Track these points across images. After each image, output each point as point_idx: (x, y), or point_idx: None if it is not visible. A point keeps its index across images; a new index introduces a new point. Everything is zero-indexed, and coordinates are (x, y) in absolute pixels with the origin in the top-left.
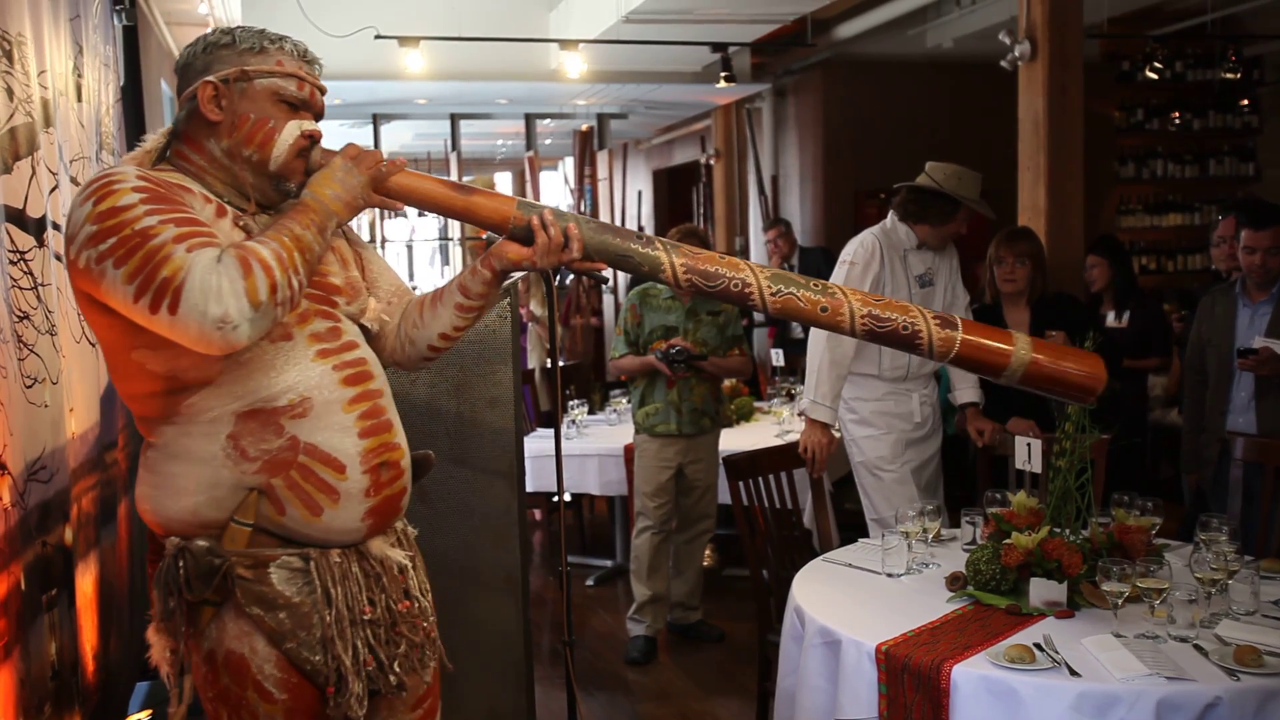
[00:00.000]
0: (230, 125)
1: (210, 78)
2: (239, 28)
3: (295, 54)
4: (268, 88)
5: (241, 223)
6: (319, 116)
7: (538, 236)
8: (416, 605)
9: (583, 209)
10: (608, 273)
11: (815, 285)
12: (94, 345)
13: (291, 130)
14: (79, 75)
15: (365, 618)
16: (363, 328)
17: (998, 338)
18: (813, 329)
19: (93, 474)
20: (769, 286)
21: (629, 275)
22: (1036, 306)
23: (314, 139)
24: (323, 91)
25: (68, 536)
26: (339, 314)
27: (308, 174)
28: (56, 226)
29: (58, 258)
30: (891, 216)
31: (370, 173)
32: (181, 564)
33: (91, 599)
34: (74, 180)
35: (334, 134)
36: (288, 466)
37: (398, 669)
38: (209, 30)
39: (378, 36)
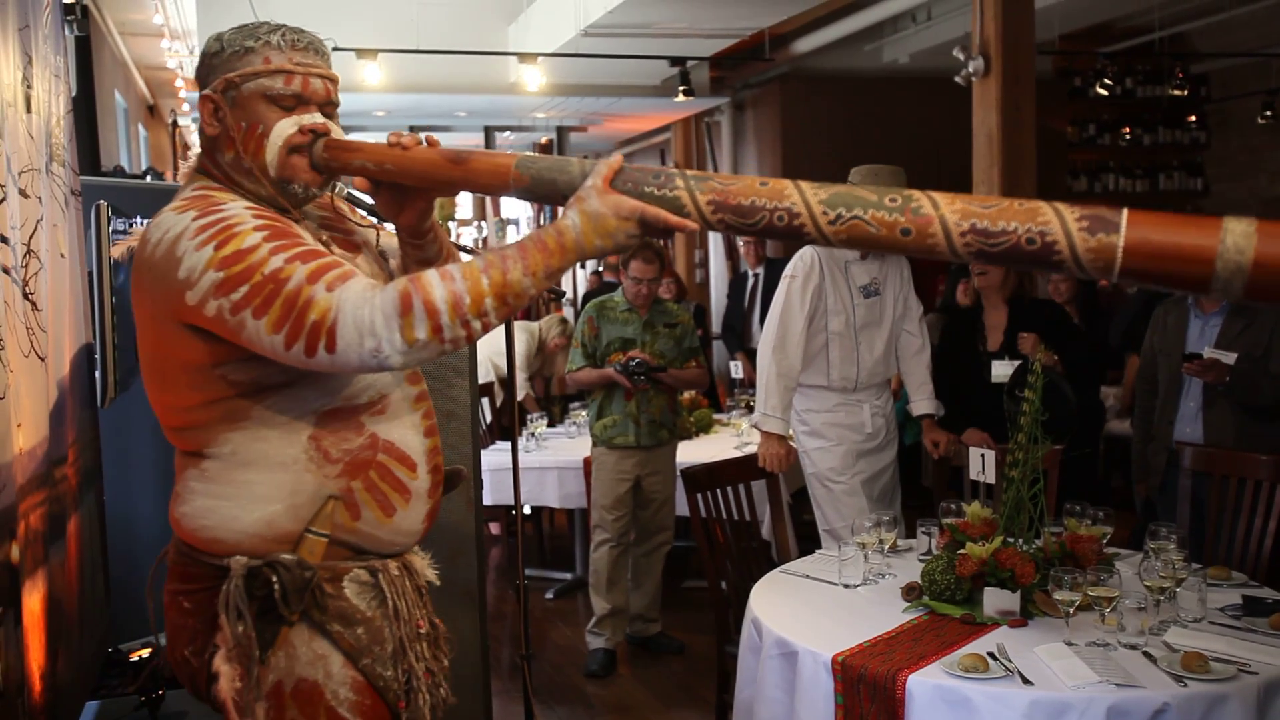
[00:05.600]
0: (229, 137)
1: (207, 91)
2: (230, 31)
3: (284, 45)
4: (256, 90)
5: (324, 238)
6: (327, 106)
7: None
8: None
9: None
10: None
11: (892, 200)
12: (42, 360)
13: (281, 130)
14: (28, 86)
15: (420, 631)
16: None
17: (1190, 230)
18: (761, 339)
19: (41, 490)
20: (825, 213)
21: (587, 287)
22: (1013, 305)
23: (316, 133)
24: (329, 79)
25: (14, 554)
26: None
27: (314, 169)
28: (4, 239)
29: (4, 270)
30: None
31: (604, 177)
32: (275, 580)
33: (39, 617)
34: (22, 192)
35: None
36: (367, 467)
37: (445, 683)
38: (207, 41)
39: (336, 49)
